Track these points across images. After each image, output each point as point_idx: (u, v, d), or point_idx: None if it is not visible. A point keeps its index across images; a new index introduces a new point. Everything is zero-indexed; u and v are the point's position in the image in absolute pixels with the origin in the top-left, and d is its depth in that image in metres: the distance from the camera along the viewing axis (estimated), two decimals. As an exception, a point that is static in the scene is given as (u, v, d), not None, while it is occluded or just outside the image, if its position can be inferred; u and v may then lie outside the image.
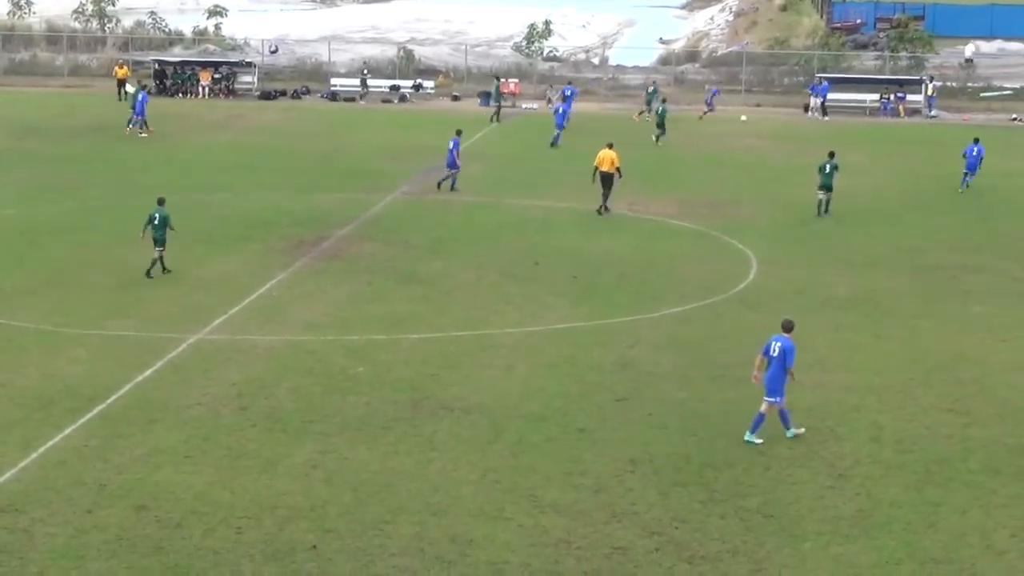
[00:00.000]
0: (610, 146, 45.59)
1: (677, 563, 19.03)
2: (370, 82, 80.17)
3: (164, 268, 35.15)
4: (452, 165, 48.13)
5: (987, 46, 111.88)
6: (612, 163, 44.94)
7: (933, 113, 76.96)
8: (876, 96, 78.11)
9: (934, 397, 26.64)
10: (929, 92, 78.21)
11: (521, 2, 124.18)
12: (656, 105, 65.00)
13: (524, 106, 76.26)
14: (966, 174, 51.28)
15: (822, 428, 24.60)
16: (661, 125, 61.52)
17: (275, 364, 28.00)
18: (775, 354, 24.04)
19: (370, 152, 57.48)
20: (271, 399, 25.76)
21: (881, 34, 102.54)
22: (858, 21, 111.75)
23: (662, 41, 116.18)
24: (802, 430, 24.34)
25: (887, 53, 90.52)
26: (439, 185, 48.32)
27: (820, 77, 79.33)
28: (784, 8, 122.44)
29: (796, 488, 21.84)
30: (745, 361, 28.46)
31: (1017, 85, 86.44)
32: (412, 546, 19.40)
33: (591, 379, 27.36)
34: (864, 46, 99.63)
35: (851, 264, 38.53)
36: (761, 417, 24.11)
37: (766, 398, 24.10)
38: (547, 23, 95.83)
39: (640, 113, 70.67)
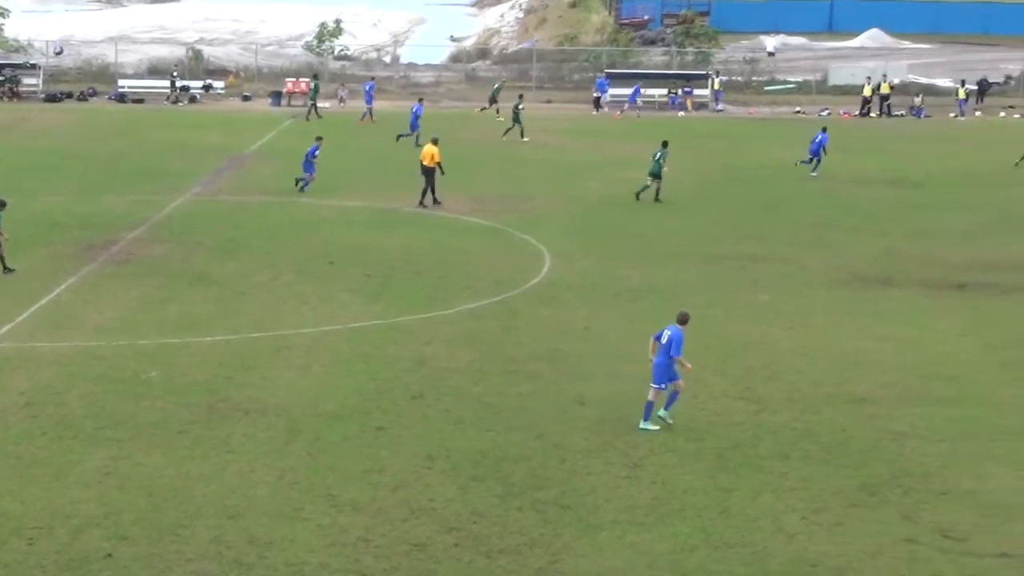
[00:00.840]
0: (434, 141, 46.16)
1: (476, 557, 19.11)
2: (162, 83, 79.07)
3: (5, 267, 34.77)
4: (308, 169, 47.98)
5: (771, 40, 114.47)
6: (432, 158, 45.42)
7: (719, 107, 78.46)
8: (664, 91, 79.36)
9: (725, 384, 27.16)
10: (715, 86, 79.72)
11: (312, 1, 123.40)
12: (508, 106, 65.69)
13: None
14: (811, 160, 53.67)
15: (617, 419, 24.89)
16: (517, 119, 62.26)
17: (65, 371, 27.40)
18: (664, 342, 24.41)
19: (160, 153, 56.66)
20: (61, 406, 25.20)
21: (668, 30, 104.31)
22: (645, 17, 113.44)
23: (453, 39, 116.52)
24: (656, 427, 24.52)
25: (674, 48, 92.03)
26: (300, 188, 47.80)
27: (607, 72, 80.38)
28: (573, 5, 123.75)
29: (592, 479, 22.08)
30: (538, 355, 28.80)
31: (800, 79, 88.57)
32: (210, 550, 19.16)
33: (387, 377, 27.32)
34: (652, 42, 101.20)
35: (643, 256, 39.09)
36: (650, 405, 24.49)
37: (652, 384, 24.48)
38: (338, 22, 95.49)
39: (482, 109, 71.10)
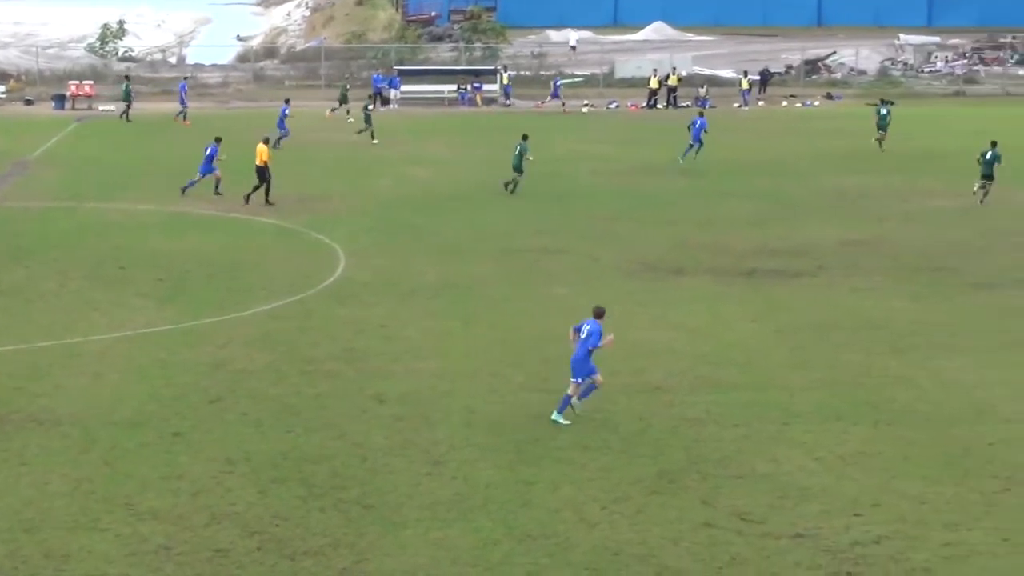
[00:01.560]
0: (265, 141, 46.57)
1: (279, 560, 18.94)
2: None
3: None
4: (208, 170, 47.27)
5: (557, 35, 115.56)
6: (260, 157, 45.79)
7: (508, 102, 78.95)
8: (454, 87, 79.59)
9: (523, 378, 27.33)
10: (505, 81, 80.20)
11: (94, 2, 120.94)
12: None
13: (101, 108, 74.38)
14: (690, 146, 55.21)
15: (417, 416, 24.89)
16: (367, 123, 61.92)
17: None
18: (584, 336, 24.67)
19: (-62, 160, 55.06)
20: None
21: (455, 26, 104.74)
22: (432, 14, 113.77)
23: (240, 38, 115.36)
24: (567, 422, 24.58)
25: (462, 44, 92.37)
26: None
27: (397, 69, 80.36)
28: (360, 3, 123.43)
29: (393, 477, 22.04)
30: (336, 354, 28.67)
31: (588, 72, 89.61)
32: (4, 566, 18.66)
33: (184, 381, 26.93)
34: (440, 38, 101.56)
35: (438, 252, 39.16)
36: (567, 398, 24.62)
37: (572, 377, 24.66)
38: (121, 23, 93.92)
39: (332, 110, 70.45)
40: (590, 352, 24.70)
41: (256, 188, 45.88)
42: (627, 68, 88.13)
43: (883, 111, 60.91)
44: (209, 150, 47.26)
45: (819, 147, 59.95)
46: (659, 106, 77.60)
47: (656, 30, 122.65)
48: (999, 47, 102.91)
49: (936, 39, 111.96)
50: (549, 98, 77.94)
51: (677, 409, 25.44)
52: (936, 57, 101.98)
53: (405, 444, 23.50)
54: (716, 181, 51.24)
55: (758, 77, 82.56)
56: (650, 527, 20.02)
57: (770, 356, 29.13)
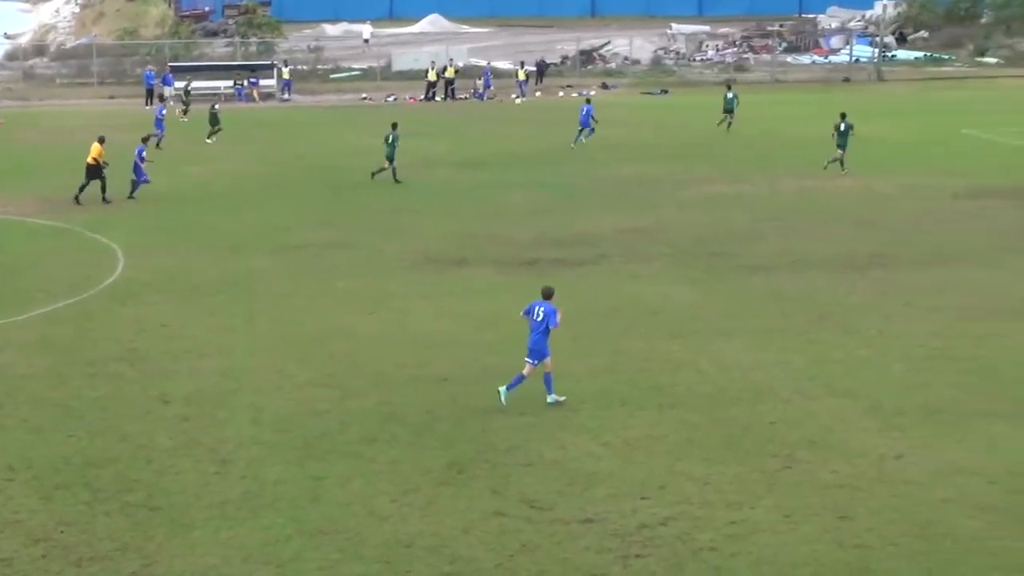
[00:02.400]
0: (100, 140, 45.88)
1: (65, 567, 18.55)
2: None
3: None
4: (139, 174, 46.54)
5: (333, 29, 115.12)
6: (93, 155, 45.28)
7: (287, 96, 78.40)
8: (230, 83, 78.71)
9: (309, 373, 27.19)
10: (284, 76, 79.56)
11: None
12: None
13: None
14: (580, 131, 57.41)
15: (202, 415, 24.60)
16: (214, 123, 60.97)
17: None
18: (538, 318, 24.79)
19: None
20: None
21: (230, 21, 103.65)
22: (206, 9, 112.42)
23: (7, 36, 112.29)
24: (563, 398, 25.06)
25: (238, 40, 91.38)
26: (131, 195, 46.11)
27: (171, 66, 79.16)
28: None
29: (180, 478, 21.75)
30: (118, 356, 28.17)
31: (364, 66, 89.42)
32: None
33: (-42, 389, 26.19)
34: (214, 33, 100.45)
35: (219, 248, 38.73)
36: (520, 378, 24.83)
37: (528, 359, 24.84)
38: None
39: (184, 111, 68.85)
40: (548, 332, 24.94)
41: (84, 186, 45.28)
42: (404, 61, 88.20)
43: (729, 95, 63.78)
44: (137, 150, 46.91)
45: (596, 136, 60.71)
46: (437, 98, 77.74)
47: (432, 22, 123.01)
48: (767, 35, 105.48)
49: (707, 28, 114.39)
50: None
51: (464, 399, 25.57)
52: (707, 46, 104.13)
53: (191, 444, 23.21)
54: (497, 172, 51.57)
55: (534, 68, 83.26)
56: (441, 518, 20.10)
57: (554, 344, 29.32)
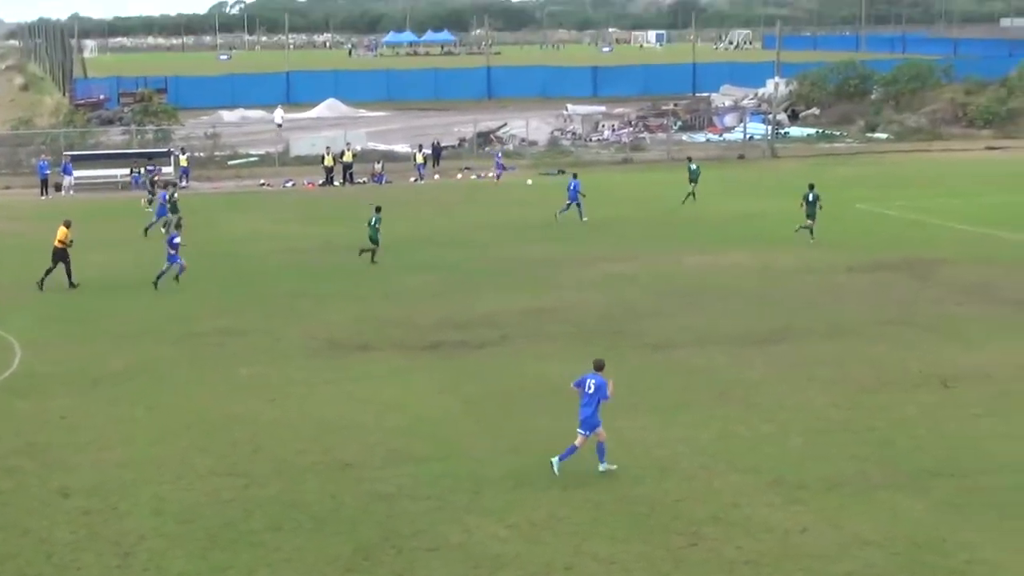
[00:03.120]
0: (67, 224, 45.81)
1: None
2: None
3: None
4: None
5: (230, 115, 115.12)
6: (59, 238, 45.39)
7: (185, 184, 77.99)
8: (127, 170, 78.17)
9: (211, 462, 26.97)
10: (182, 163, 79.18)
11: None
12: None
13: None
14: (568, 205, 59.40)
15: (104, 508, 24.32)
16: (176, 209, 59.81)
17: None
18: (590, 391, 25.67)
19: None
20: None
21: (126, 109, 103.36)
22: (101, 97, 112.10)
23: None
24: (614, 466, 25.75)
25: (134, 127, 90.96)
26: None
27: (68, 155, 78.57)
28: (25, 88, 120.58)
29: (82, 572, 21.47)
30: (17, 449, 27.79)
31: (263, 151, 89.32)
32: None
33: None
34: (110, 121, 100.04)
35: (121, 338, 38.36)
36: (573, 448, 25.65)
37: (580, 430, 25.63)
38: None
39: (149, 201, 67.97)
40: (599, 404, 25.60)
41: (50, 270, 45.21)
42: (302, 146, 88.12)
43: (693, 167, 66.49)
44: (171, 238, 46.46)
45: (497, 217, 61.04)
46: (336, 183, 77.79)
47: (329, 107, 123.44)
48: (662, 114, 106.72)
49: (602, 108, 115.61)
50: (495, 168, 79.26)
51: (369, 485, 25.48)
52: (603, 126, 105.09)
53: (93, 537, 22.93)
54: (399, 255, 51.59)
55: (431, 150, 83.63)
56: (348, 605, 19.98)
57: (459, 426, 29.46)
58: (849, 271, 47.07)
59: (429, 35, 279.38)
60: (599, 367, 26.28)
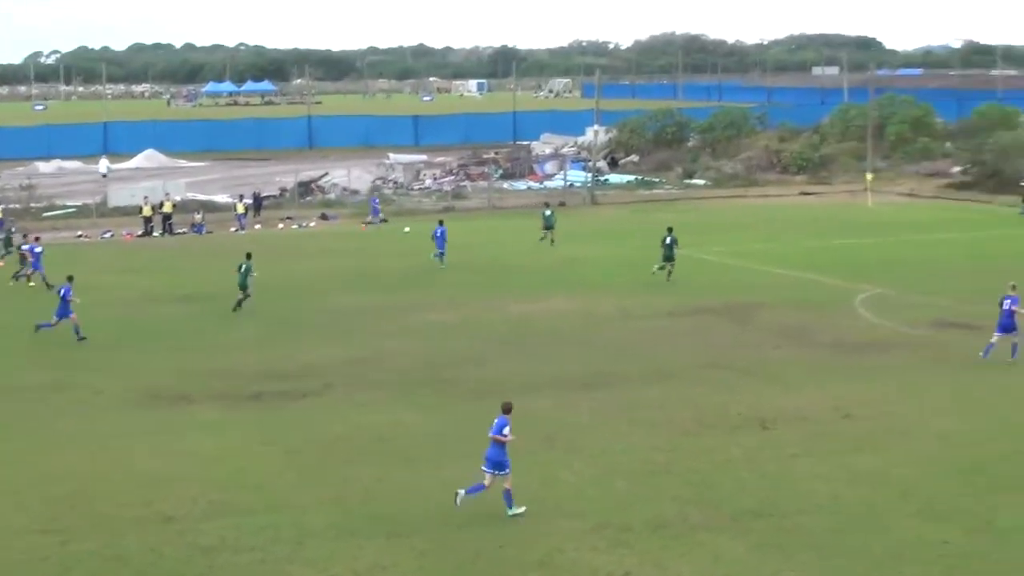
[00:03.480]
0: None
1: None
2: None
3: None
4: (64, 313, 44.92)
5: (46, 166, 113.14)
6: None
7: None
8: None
9: (27, 519, 26.33)
10: (-2, 215, 77.50)
11: None
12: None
13: None
14: (440, 254, 60.18)
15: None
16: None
17: None
18: (493, 432, 26.32)
19: None
20: None
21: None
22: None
23: None
24: (522, 509, 26.10)
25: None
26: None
27: None
28: None
29: None
30: None
31: (80, 202, 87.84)
32: None
33: None
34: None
35: (-71, 396, 37.36)
36: (481, 486, 26.24)
37: (484, 469, 26.30)
38: None
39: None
40: (497, 443, 26.16)
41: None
42: (120, 196, 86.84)
43: (547, 212, 68.02)
44: (62, 291, 45.21)
45: (319, 267, 60.75)
46: (155, 234, 76.77)
47: (148, 157, 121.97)
48: (483, 163, 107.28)
49: (424, 157, 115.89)
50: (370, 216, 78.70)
51: (191, 537, 25.10)
52: (425, 174, 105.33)
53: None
54: (220, 306, 51.01)
55: (252, 200, 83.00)
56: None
57: (282, 477, 29.17)
58: (670, 315, 47.70)
59: (249, 85, 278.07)
60: (506, 410, 26.70)
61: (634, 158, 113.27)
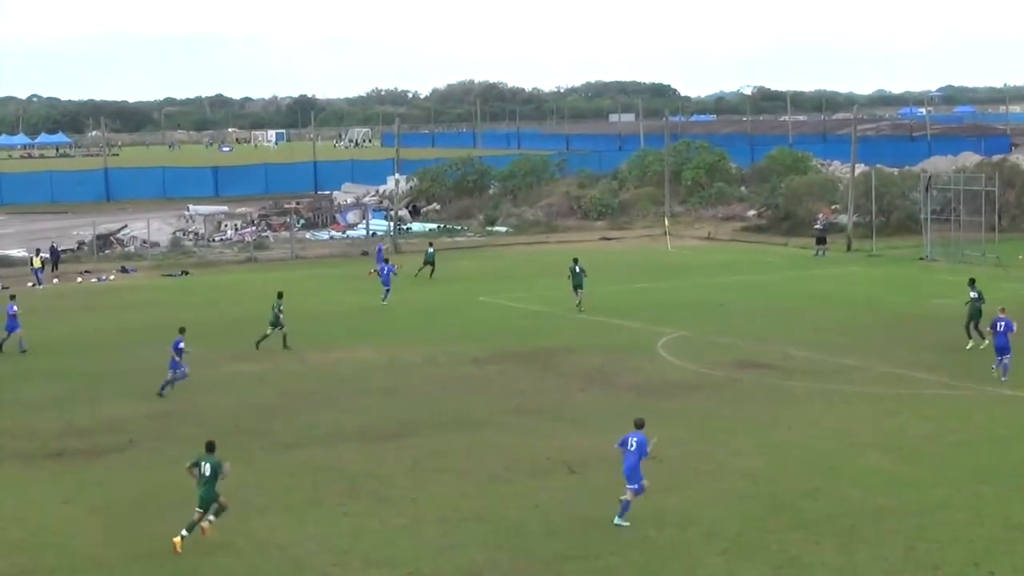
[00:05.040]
0: None
1: None
2: None
3: None
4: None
5: None
6: None
7: None
8: None
9: None
10: None
11: None
12: None
13: None
14: (387, 291, 62.91)
15: None
16: None
17: None
18: (632, 448, 28.06)
19: None
20: None
21: None
22: None
23: None
24: (627, 523, 27.88)
25: None
26: None
27: None
28: None
29: None
30: None
31: None
32: None
33: None
34: None
35: None
36: (627, 504, 27.93)
37: (628, 486, 28.05)
38: None
39: None
40: (640, 460, 28.05)
41: None
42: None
43: (430, 250, 74.10)
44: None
45: (119, 321, 59.80)
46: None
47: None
48: (285, 213, 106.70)
49: (225, 208, 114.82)
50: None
51: (-8, 602, 24.51)
52: (226, 225, 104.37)
53: None
54: (18, 363, 49.93)
55: (49, 255, 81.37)
56: None
57: (86, 536, 28.65)
58: (476, 362, 47.93)
59: (43, 137, 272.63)
60: (639, 425, 28.41)
61: (436, 206, 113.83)
